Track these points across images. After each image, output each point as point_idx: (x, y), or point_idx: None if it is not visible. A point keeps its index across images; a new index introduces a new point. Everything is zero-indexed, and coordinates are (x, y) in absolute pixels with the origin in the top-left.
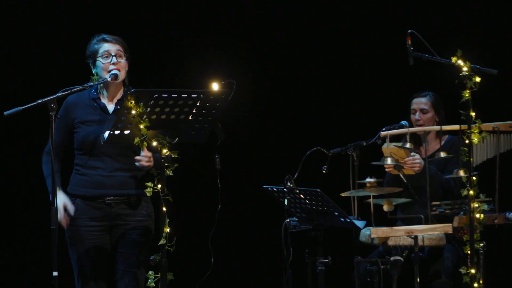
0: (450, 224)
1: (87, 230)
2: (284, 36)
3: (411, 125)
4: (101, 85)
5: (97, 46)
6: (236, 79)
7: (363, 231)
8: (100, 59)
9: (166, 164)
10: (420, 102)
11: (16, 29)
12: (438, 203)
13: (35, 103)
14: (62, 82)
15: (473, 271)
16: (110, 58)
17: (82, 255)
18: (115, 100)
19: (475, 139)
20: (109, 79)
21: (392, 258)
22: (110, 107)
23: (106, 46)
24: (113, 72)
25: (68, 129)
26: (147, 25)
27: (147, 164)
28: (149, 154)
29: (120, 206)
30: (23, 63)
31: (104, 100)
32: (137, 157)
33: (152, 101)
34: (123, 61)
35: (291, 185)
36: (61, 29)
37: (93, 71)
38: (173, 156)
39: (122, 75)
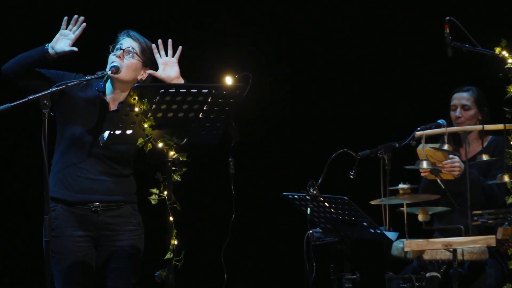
0: (493, 236)
1: (73, 241)
2: (307, 26)
3: (449, 124)
4: (108, 81)
5: (119, 39)
6: (252, 72)
7: (395, 243)
8: (113, 50)
9: (174, 168)
10: (462, 97)
11: (14, 23)
12: (479, 212)
13: (26, 99)
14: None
15: None
16: (118, 51)
17: (67, 271)
18: (118, 101)
19: None
20: (108, 72)
21: (428, 275)
22: (112, 107)
23: (123, 40)
24: (113, 64)
25: (52, 82)
26: (153, 14)
27: None
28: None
29: (108, 214)
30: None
31: (108, 99)
32: None
33: (157, 97)
34: (131, 59)
35: (315, 192)
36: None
37: None
38: (181, 159)
39: (126, 74)
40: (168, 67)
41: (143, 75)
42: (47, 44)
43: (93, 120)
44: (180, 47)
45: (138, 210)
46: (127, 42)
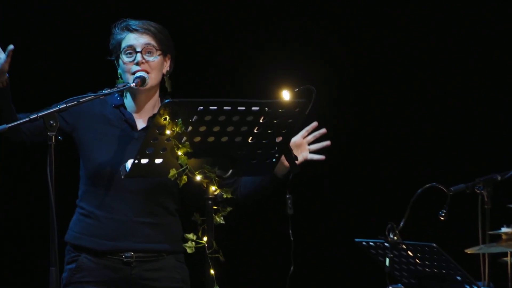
0: None
1: None
2: (385, 28)
3: None
4: (126, 92)
5: (120, 37)
6: (316, 85)
7: None
8: (122, 56)
9: (215, 207)
10: None
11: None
12: None
13: (27, 119)
14: (70, 89)
15: None
16: (133, 55)
17: None
18: (146, 116)
19: None
20: (132, 85)
21: None
22: (139, 124)
23: (130, 38)
24: (138, 74)
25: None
26: (191, 15)
27: None
28: None
29: (144, 267)
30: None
31: (133, 114)
32: None
33: (195, 116)
34: (153, 58)
35: (395, 237)
36: (72, 20)
37: (118, 72)
38: (225, 196)
39: (153, 79)
40: (299, 150)
41: (166, 66)
42: None
43: (120, 144)
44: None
45: (184, 262)
46: (137, 40)
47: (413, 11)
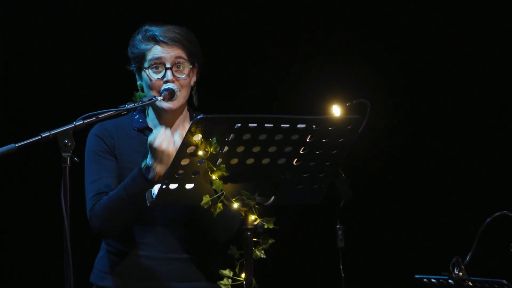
0: None
1: None
2: (452, 28)
3: None
4: (149, 108)
5: (145, 47)
6: (370, 98)
7: None
8: (147, 70)
9: (255, 239)
10: None
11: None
12: None
13: (39, 137)
14: (85, 104)
15: None
16: (162, 71)
17: None
18: (173, 134)
19: None
20: (160, 99)
21: None
22: None
23: (158, 51)
24: (166, 86)
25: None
26: (232, 22)
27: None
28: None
29: None
30: (33, 74)
31: None
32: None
33: (232, 135)
34: (184, 76)
35: (461, 273)
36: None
37: (138, 83)
38: (266, 227)
39: (183, 98)
40: None
41: (193, 77)
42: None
43: None
44: None
45: None
46: (167, 53)
47: (470, 20)
